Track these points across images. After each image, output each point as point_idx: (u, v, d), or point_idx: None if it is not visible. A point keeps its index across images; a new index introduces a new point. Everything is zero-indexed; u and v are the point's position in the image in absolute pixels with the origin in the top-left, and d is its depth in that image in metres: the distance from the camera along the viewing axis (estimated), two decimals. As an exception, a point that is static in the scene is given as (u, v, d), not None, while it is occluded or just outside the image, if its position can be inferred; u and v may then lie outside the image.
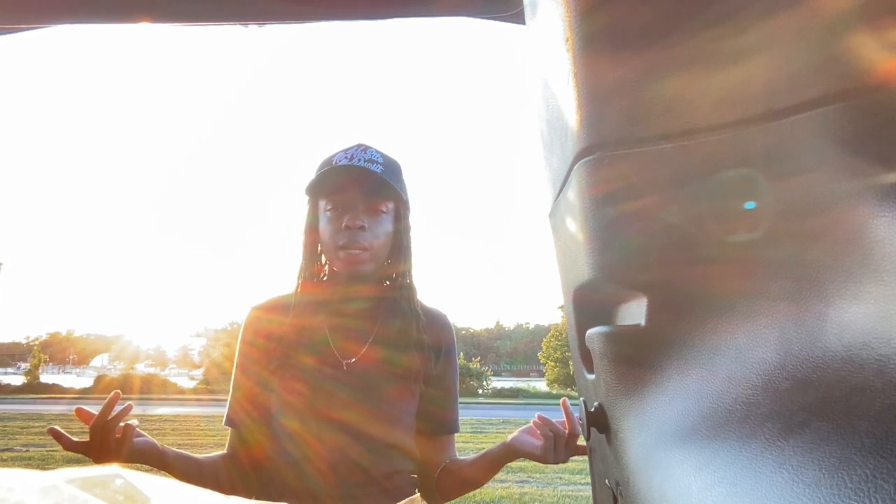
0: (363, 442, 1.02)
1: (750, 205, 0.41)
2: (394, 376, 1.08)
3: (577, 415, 0.99)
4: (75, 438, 0.96)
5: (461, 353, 31.00)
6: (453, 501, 1.17)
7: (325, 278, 1.15)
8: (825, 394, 0.33)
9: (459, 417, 1.20)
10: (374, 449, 1.03)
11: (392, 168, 1.12)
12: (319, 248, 1.14)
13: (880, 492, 0.24)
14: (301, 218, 1.16)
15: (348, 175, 1.07)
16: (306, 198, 1.14)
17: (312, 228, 1.13)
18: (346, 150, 1.11)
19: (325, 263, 1.15)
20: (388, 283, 1.14)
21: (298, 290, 1.13)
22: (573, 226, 0.58)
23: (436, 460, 1.15)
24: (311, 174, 1.14)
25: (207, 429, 11.29)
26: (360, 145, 1.12)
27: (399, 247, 1.13)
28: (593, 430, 0.62)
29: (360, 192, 1.07)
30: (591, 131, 0.50)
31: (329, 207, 1.08)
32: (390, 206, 1.10)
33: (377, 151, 1.11)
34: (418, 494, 1.10)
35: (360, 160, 1.08)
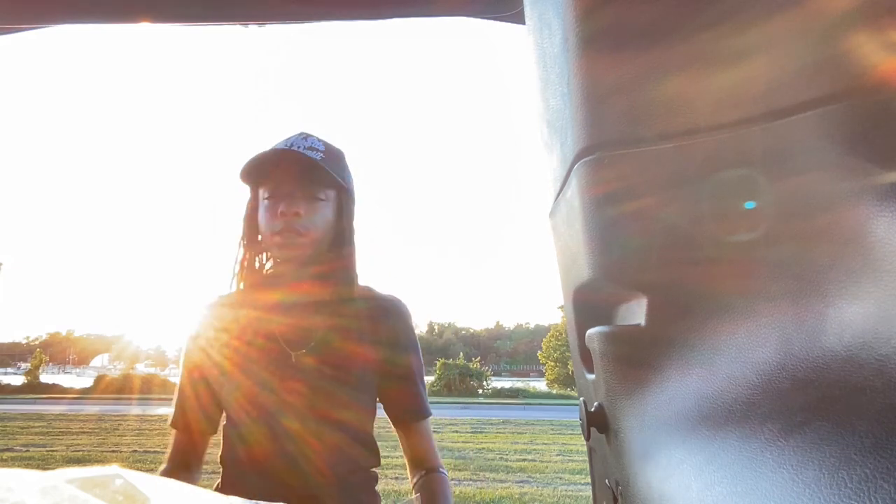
0: (316, 437, 1.01)
1: (750, 205, 0.41)
2: (344, 370, 1.05)
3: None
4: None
5: (461, 354, 30.93)
6: (455, 500, 1.16)
7: (263, 276, 1.13)
8: (825, 394, 0.33)
9: (429, 402, 1.17)
10: (329, 445, 1.01)
11: (333, 156, 1.10)
12: (260, 238, 1.12)
13: (880, 492, 0.24)
14: (241, 208, 1.14)
15: (285, 161, 1.05)
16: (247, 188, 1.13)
17: (252, 218, 1.11)
18: (286, 140, 1.09)
19: (269, 258, 1.14)
20: (332, 275, 1.11)
21: (238, 282, 1.12)
22: (573, 226, 0.58)
23: (408, 448, 1.15)
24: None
25: (207, 429, 11.25)
26: (301, 133, 1.10)
27: (341, 237, 1.10)
28: (593, 430, 0.62)
29: (296, 179, 1.05)
30: (591, 131, 0.50)
31: (267, 196, 1.06)
32: (330, 193, 1.08)
33: (319, 140, 1.10)
34: (418, 495, 1.09)
35: (299, 147, 1.06)
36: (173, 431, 1.11)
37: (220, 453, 1.08)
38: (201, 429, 1.10)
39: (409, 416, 1.15)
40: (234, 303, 1.11)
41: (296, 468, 1.00)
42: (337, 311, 1.08)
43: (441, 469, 1.14)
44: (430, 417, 1.18)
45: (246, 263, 1.12)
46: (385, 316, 1.13)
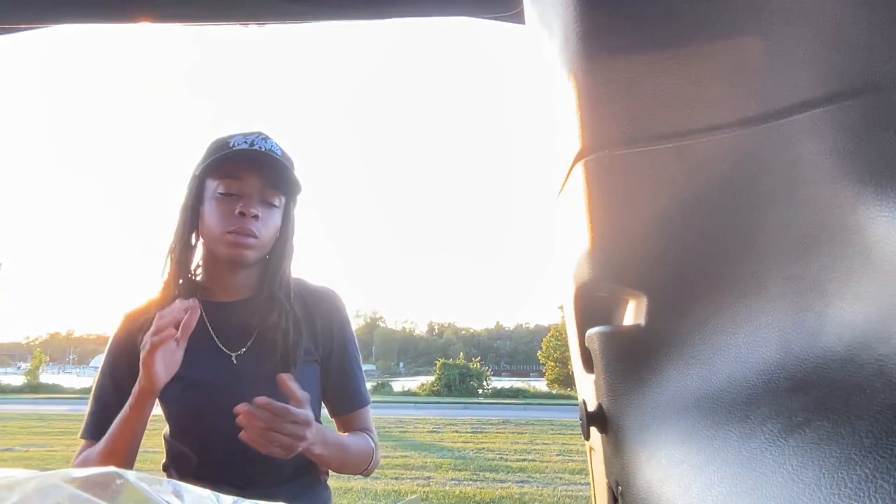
0: None
1: (750, 205, 0.41)
2: (283, 366, 1.04)
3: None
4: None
5: (461, 354, 30.90)
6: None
7: (198, 272, 1.10)
8: (825, 394, 0.33)
9: (367, 391, 1.17)
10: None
11: (289, 160, 1.09)
12: (194, 235, 1.08)
13: (880, 492, 0.24)
14: (179, 199, 1.09)
15: (251, 159, 1.03)
16: (192, 177, 1.08)
17: (193, 211, 1.07)
18: (245, 136, 1.06)
19: (197, 252, 1.09)
20: (266, 276, 1.09)
21: (169, 280, 1.07)
22: (573, 226, 0.58)
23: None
24: (201, 153, 1.08)
25: (207, 429, 11.23)
26: (260, 133, 1.07)
27: (283, 242, 1.09)
28: (593, 429, 0.62)
29: (258, 179, 1.03)
30: (591, 131, 0.50)
31: (221, 191, 1.02)
32: (282, 199, 1.07)
33: (276, 143, 1.08)
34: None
35: (261, 147, 1.04)
36: (84, 443, 1.03)
37: (163, 462, 1.06)
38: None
39: (345, 406, 1.14)
40: (164, 306, 1.05)
41: (247, 467, 0.99)
42: (271, 308, 1.06)
43: (370, 435, 1.12)
44: (369, 407, 1.16)
45: (178, 260, 1.07)
46: (317, 308, 1.12)
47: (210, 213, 1.04)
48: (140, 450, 1.00)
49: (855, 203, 0.33)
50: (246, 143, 1.04)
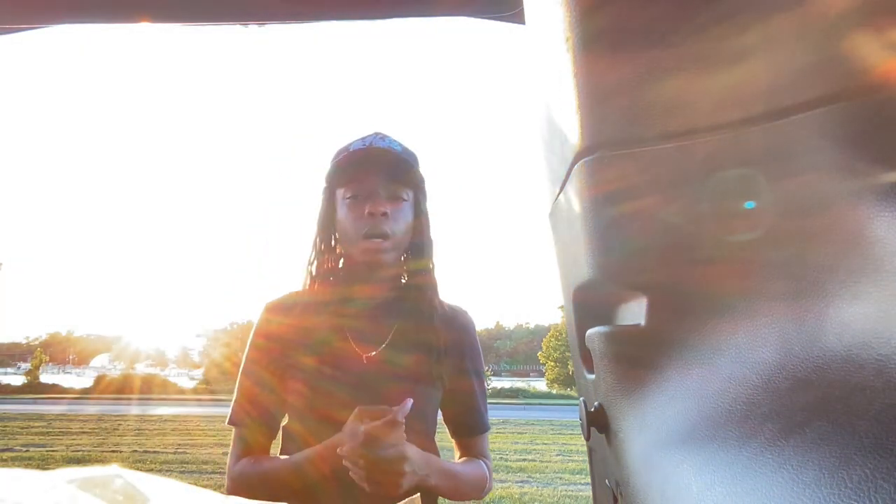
0: None
1: (750, 205, 0.41)
2: (408, 378, 1.05)
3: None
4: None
5: (461, 353, 30.85)
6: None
7: (335, 275, 1.11)
8: (825, 394, 0.33)
9: (488, 416, 1.19)
10: None
11: (411, 154, 1.09)
12: (333, 242, 1.10)
13: (880, 492, 0.24)
14: (315, 210, 1.11)
15: (368, 159, 1.03)
16: (322, 188, 1.10)
17: (328, 220, 1.09)
18: (362, 138, 1.07)
19: (339, 258, 1.11)
20: (406, 280, 1.11)
21: (310, 287, 1.09)
22: (573, 226, 0.58)
23: (462, 457, 1.15)
24: (326, 164, 1.11)
25: (207, 429, 11.29)
26: (377, 133, 1.08)
27: (420, 239, 1.10)
28: (593, 430, 0.62)
29: (380, 177, 1.03)
30: (591, 131, 0.50)
31: (349, 195, 1.04)
32: (410, 193, 1.07)
33: (394, 140, 1.08)
34: (418, 495, 1.09)
35: (377, 146, 1.04)
36: (236, 429, 1.06)
37: (278, 453, 1.07)
38: (271, 426, 1.07)
39: (467, 430, 1.15)
40: (302, 306, 1.09)
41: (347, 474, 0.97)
42: (408, 315, 1.08)
43: (486, 461, 1.14)
44: (488, 433, 1.18)
45: (319, 270, 1.09)
46: (449, 326, 1.12)
47: (343, 219, 1.05)
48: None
49: (855, 203, 0.33)
50: (363, 144, 1.05)
